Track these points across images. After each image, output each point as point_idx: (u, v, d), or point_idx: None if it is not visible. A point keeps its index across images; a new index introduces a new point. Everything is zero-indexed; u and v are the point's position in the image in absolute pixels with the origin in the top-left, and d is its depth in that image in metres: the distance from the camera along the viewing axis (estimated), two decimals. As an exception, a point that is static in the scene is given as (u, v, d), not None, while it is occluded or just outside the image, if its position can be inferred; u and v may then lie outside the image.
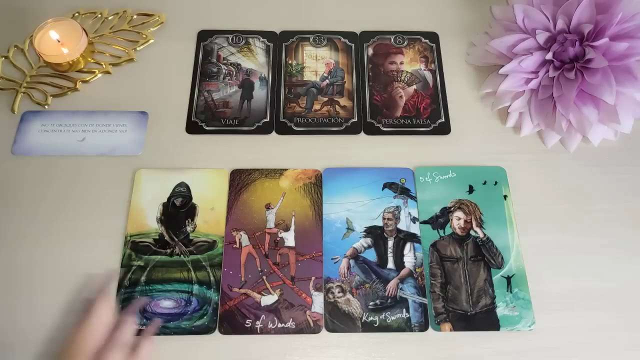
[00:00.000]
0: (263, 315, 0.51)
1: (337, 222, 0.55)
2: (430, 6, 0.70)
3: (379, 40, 0.67)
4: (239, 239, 0.54)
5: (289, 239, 0.54)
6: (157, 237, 0.54)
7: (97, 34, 0.66)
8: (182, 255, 0.53)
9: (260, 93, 0.63)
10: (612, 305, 0.52)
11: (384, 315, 0.51)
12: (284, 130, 0.61)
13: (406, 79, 0.64)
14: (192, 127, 0.60)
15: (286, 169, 0.58)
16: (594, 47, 0.54)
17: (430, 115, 0.62)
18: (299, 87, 0.63)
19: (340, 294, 0.52)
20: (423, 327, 0.50)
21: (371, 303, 0.51)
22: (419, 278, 0.53)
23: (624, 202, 0.57)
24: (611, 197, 0.57)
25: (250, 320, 0.50)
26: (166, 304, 0.51)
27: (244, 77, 0.64)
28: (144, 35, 0.66)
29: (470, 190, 0.57)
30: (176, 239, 0.54)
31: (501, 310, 0.51)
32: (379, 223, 0.55)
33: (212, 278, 0.52)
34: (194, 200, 0.56)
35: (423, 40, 0.67)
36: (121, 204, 0.56)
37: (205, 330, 0.50)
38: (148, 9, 0.68)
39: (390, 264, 0.53)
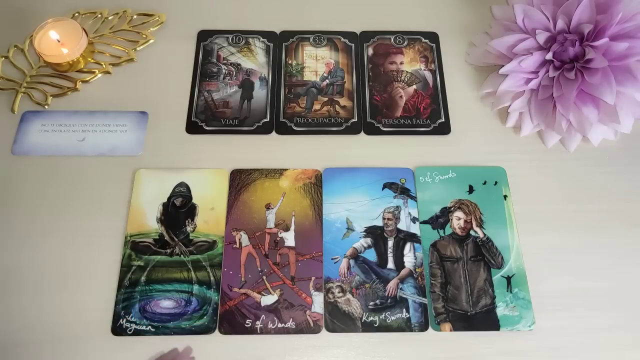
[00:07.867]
0: (263, 315, 0.51)
1: (337, 222, 0.55)
2: (430, 6, 0.70)
3: (379, 40, 0.67)
4: (239, 239, 0.54)
5: (289, 239, 0.54)
6: (157, 237, 0.54)
7: (97, 34, 0.66)
8: (182, 255, 0.53)
9: (260, 93, 0.63)
10: (612, 305, 0.52)
11: (384, 315, 0.51)
12: (284, 130, 0.61)
13: (406, 79, 0.64)
14: (192, 127, 0.60)
15: (286, 169, 0.58)
16: (594, 47, 0.54)
17: (430, 115, 0.62)
18: (299, 87, 0.63)
19: (340, 294, 0.52)
20: (423, 327, 0.50)
21: (371, 303, 0.51)
22: (419, 278, 0.53)
23: (624, 202, 0.57)
24: (611, 197, 0.57)
25: (250, 320, 0.50)
26: (166, 304, 0.51)
27: (244, 77, 0.64)
28: (144, 35, 0.66)
29: (470, 190, 0.57)
30: (176, 239, 0.54)
31: (501, 310, 0.51)
32: (379, 223, 0.55)
33: (212, 278, 0.52)
34: (194, 200, 0.56)
35: (423, 40, 0.67)
36: (121, 204, 0.56)
37: (205, 330, 0.50)
38: (148, 9, 0.68)
39: (390, 264, 0.53)
